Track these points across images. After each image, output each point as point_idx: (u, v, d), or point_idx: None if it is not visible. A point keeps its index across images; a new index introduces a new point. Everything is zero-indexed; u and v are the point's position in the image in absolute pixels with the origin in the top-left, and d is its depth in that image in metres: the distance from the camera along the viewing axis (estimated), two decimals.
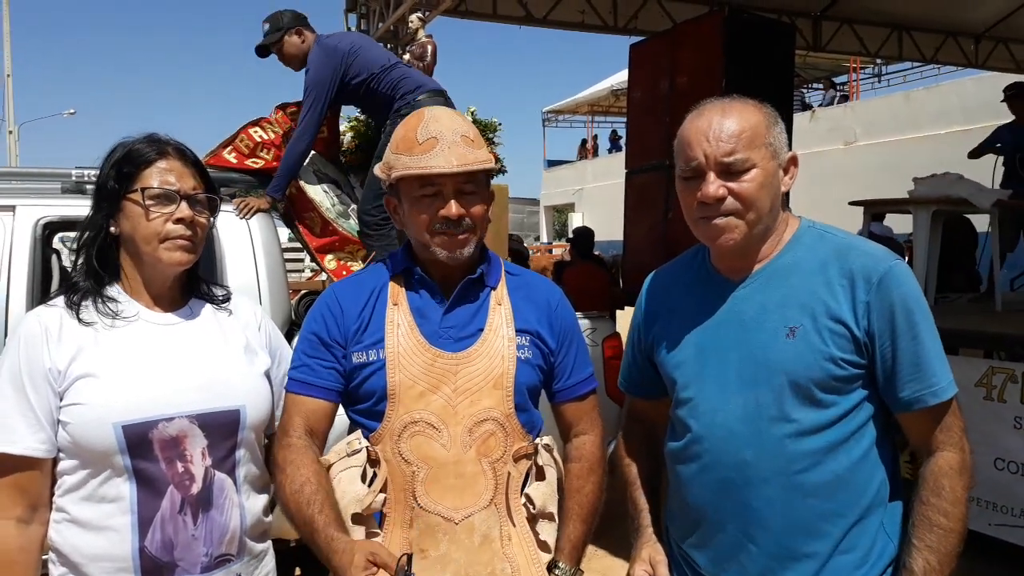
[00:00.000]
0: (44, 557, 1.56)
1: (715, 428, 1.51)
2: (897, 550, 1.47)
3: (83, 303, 1.58)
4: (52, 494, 1.55)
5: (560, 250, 17.79)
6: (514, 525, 1.61)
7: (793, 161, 1.53)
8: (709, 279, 1.60)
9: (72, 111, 37.43)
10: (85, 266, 1.61)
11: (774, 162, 1.49)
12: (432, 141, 1.57)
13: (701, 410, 1.54)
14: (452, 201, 1.57)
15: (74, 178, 3.36)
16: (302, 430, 1.59)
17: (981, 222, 6.44)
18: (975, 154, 6.76)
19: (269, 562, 1.73)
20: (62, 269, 3.41)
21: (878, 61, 19.21)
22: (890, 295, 1.42)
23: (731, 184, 1.46)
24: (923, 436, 1.46)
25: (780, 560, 1.47)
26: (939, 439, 1.44)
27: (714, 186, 1.46)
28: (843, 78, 22.54)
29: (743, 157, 1.45)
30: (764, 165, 1.46)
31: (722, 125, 1.46)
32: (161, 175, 1.58)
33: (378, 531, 1.56)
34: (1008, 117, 6.77)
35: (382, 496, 1.56)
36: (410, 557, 1.35)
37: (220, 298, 1.75)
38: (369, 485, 1.57)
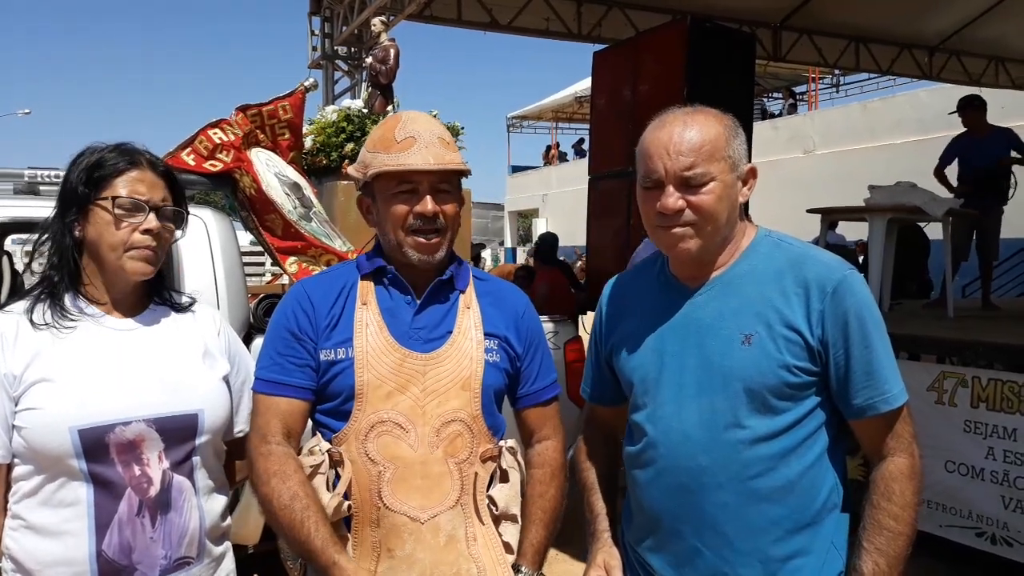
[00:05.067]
0: None
1: (671, 433, 1.53)
2: (845, 557, 1.49)
3: (41, 307, 1.56)
4: (6, 501, 1.53)
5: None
6: (482, 523, 1.62)
7: (752, 173, 1.55)
8: (668, 285, 1.62)
9: (27, 111, 36.55)
10: (45, 269, 1.60)
11: (732, 174, 1.50)
12: (410, 140, 1.60)
13: (657, 415, 1.55)
14: (428, 197, 1.59)
15: (26, 179, 3.28)
16: (281, 435, 1.58)
17: (934, 231, 6.61)
18: (938, 172, 6.90)
19: (228, 564, 1.72)
20: (13, 271, 3.34)
21: (836, 72, 19.59)
22: (844, 304, 1.44)
23: (689, 197, 1.47)
24: (875, 442, 1.49)
25: (733, 565, 1.48)
26: (890, 445, 1.47)
27: (672, 199, 1.47)
28: (802, 88, 22.95)
29: (702, 171, 1.46)
30: (722, 178, 1.48)
31: (682, 138, 1.47)
32: (131, 185, 1.57)
33: (347, 535, 1.56)
34: (960, 129, 6.93)
35: (347, 503, 1.56)
36: None
37: (181, 304, 1.74)
38: (333, 487, 1.56)
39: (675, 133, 1.49)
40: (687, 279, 1.58)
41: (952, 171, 6.88)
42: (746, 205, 1.59)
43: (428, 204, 1.59)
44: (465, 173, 1.67)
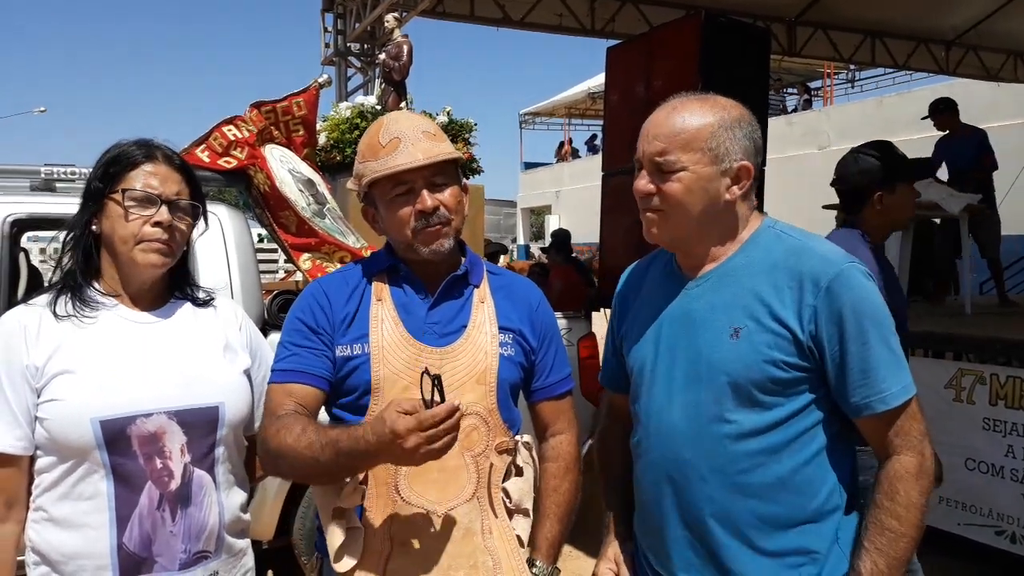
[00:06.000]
0: (20, 558, 1.55)
1: (660, 425, 1.52)
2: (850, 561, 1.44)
3: (63, 300, 1.58)
4: (29, 493, 1.55)
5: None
6: (496, 517, 1.63)
7: (744, 171, 1.48)
8: (671, 276, 1.60)
9: (43, 108, 36.85)
10: (67, 263, 1.62)
11: (712, 167, 1.45)
12: (395, 141, 1.60)
13: (651, 407, 1.55)
14: (424, 192, 1.59)
15: (43, 176, 3.31)
16: (292, 409, 1.56)
17: None
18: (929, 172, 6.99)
19: (248, 560, 1.73)
20: (30, 267, 3.36)
21: (851, 67, 19.45)
22: (838, 300, 1.39)
23: (659, 183, 1.46)
24: (879, 440, 1.43)
25: (719, 559, 1.46)
26: (895, 443, 1.41)
27: (642, 181, 1.48)
28: (817, 83, 22.81)
29: (672, 159, 1.44)
30: (696, 169, 1.44)
31: (662, 123, 1.47)
32: (145, 178, 1.59)
33: (359, 525, 1.56)
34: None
35: (363, 488, 1.56)
36: (437, 380, 1.35)
37: (202, 298, 1.75)
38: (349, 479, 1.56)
39: (659, 117, 1.48)
40: (688, 270, 1.56)
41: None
42: (761, 200, 1.57)
43: (427, 201, 1.59)
44: (458, 160, 1.66)
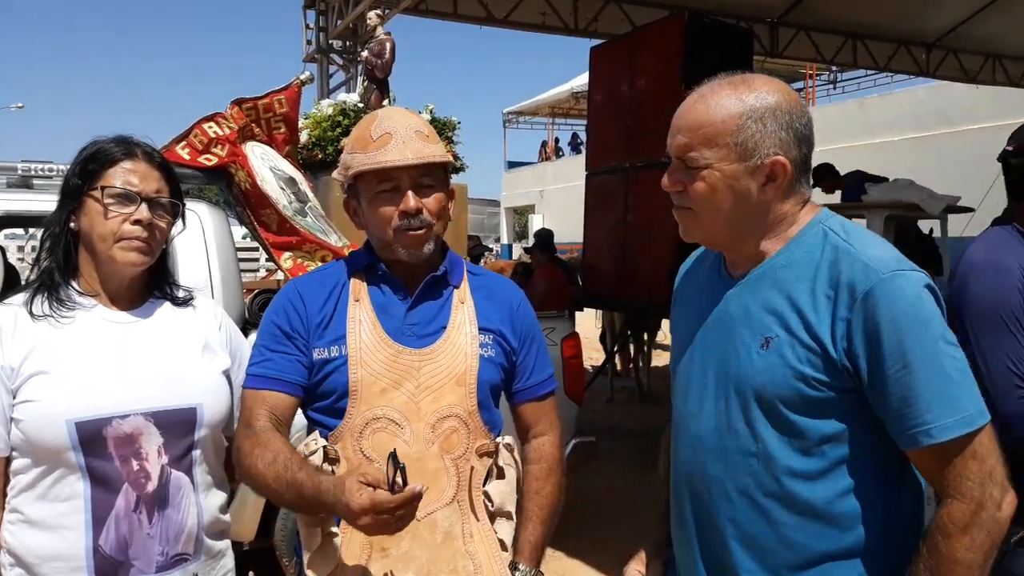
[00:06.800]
0: None
1: (690, 435, 1.43)
2: None
3: (40, 299, 1.56)
4: (5, 494, 1.53)
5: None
6: (477, 520, 1.61)
7: (779, 168, 1.30)
8: (717, 274, 1.47)
9: (20, 105, 36.50)
10: (44, 262, 1.60)
11: (738, 164, 1.30)
12: (386, 136, 1.57)
13: (685, 413, 1.46)
14: (409, 193, 1.57)
15: (20, 172, 3.28)
16: (265, 419, 1.55)
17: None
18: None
19: (228, 562, 1.71)
20: (7, 265, 3.31)
21: (833, 68, 19.61)
22: (875, 314, 1.21)
23: (686, 180, 1.34)
24: (931, 478, 1.25)
25: None
26: (946, 485, 1.22)
27: (667, 178, 1.38)
28: (799, 84, 22.97)
29: (695, 155, 1.32)
30: (720, 167, 1.30)
31: (688, 114, 1.34)
32: (124, 175, 1.57)
33: (335, 531, 1.55)
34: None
35: None
36: (401, 468, 1.30)
37: (181, 297, 1.73)
38: None
39: (684, 108, 1.35)
40: (732, 268, 1.43)
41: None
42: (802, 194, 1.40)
43: (410, 201, 1.56)
44: (447, 165, 1.64)
